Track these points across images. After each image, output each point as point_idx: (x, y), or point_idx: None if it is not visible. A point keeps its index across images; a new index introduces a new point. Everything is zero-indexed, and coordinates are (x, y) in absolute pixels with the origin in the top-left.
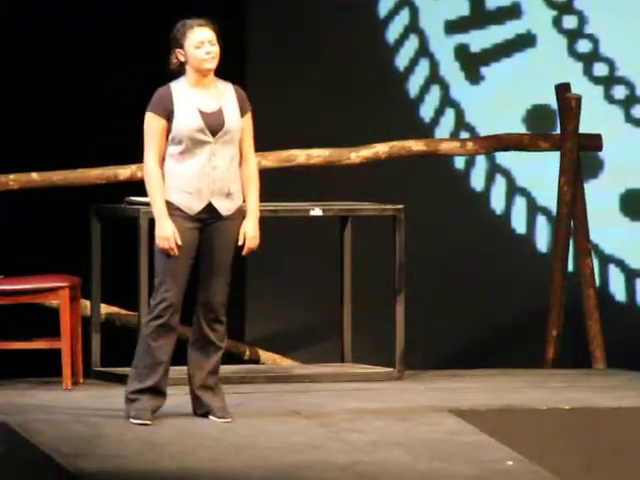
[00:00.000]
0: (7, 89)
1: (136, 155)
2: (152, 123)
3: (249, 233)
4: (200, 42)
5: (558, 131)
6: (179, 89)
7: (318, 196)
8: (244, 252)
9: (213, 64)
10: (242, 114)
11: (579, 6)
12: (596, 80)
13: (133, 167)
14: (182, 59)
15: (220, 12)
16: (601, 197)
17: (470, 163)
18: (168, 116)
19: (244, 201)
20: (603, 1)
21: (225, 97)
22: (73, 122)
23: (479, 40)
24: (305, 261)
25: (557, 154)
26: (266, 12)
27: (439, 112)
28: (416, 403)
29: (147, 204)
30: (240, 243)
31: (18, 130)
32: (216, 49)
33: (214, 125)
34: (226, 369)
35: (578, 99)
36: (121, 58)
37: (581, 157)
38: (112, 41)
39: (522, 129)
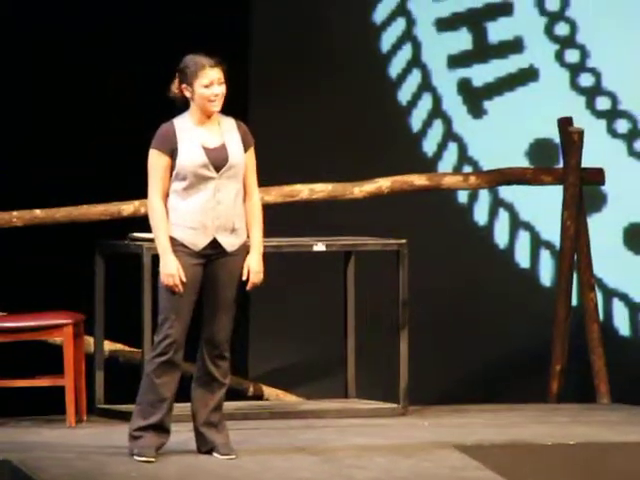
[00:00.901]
0: (7, 89)
1: (139, 191)
2: (156, 160)
3: (253, 268)
4: (210, 82)
5: (561, 165)
6: (182, 125)
7: (321, 231)
8: (248, 287)
9: (218, 107)
10: (245, 149)
11: (581, 40)
12: (599, 114)
13: (136, 203)
14: (188, 95)
15: (225, 48)
16: (604, 231)
17: (473, 197)
18: (172, 153)
19: (248, 237)
20: (605, 35)
21: (228, 132)
22: (73, 122)
23: (482, 74)
24: (308, 296)
25: (560, 188)
26: (269, 47)
27: (442, 146)
28: (420, 439)
29: (150, 240)
30: (244, 278)
31: (18, 130)
32: (223, 90)
33: (218, 161)
34: (230, 405)
35: (581, 133)
36: (121, 58)
37: (584, 191)
38: (112, 41)
39: (525, 163)
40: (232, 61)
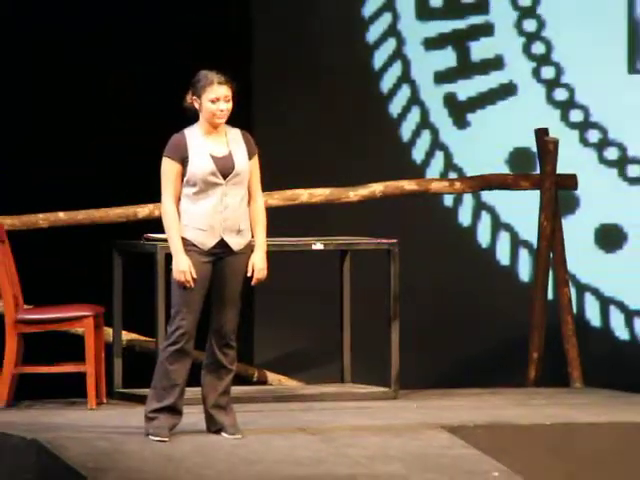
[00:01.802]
0: (7, 89)
1: (153, 195)
2: (168, 167)
3: (257, 265)
4: (216, 98)
5: (538, 171)
6: (192, 136)
7: (319, 232)
8: (253, 283)
9: (222, 121)
10: (250, 157)
11: (556, 58)
12: (572, 125)
13: (151, 206)
14: (196, 106)
15: (229, 65)
16: (577, 231)
17: (458, 201)
18: (183, 161)
19: (253, 236)
20: (578, 54)
21: (234, 142)
22: (73, 122)
23: (465, 89)
24: (308, 291)
25: (537, 192)
26: (271, 64)
27: (429, 155)
28: (410, 420)
29: (164, 240)
30: (249, 275)
31: (18, 130)
32: (229, 106)
33: (225, 168)
34: (236, 390)
35: (556, 142)
36: (121, 58)
37: (559, 195)
38: (112, 41)
39: (505, 170)
40: (236, 67)
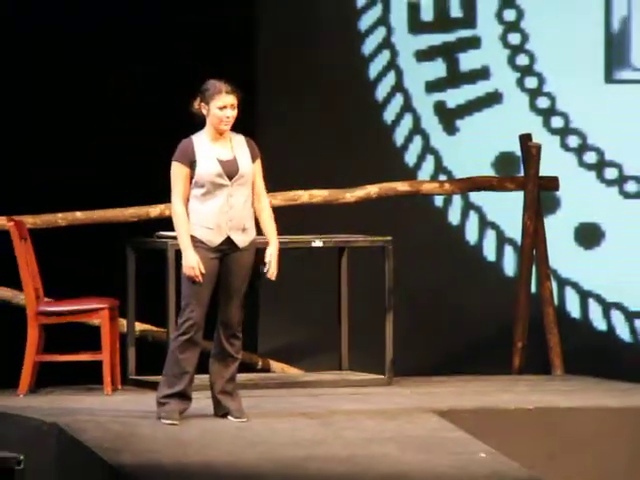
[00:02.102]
0: (7, 89)
1: (163, 196)
2: (178, 171)
3: (275, 257)
4: (224, 106)
5: (522, 174)
6: (200, 141)
7: (319, 230)
8: (270, 275)
9: (228, 127)
10: (253, 160)
11: (539, 69)
12: (553, 131)
13: (162, 206)
14: (204, 112)
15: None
16: (558, 230)
17: (448, 201)
18: (191, 165)
19: (259, 234)
20: (559, 65)
21: (238, 147)
22: (73, 122)
23: (454, 97)
24: (308, 285)
25: (521, 193)
26: (274, 77)
27: (421, 158)
28: (403, 405)
29: (174, 238)
30: (266, 270)
31: (18, 129)
32: (234, 114)
33: (230, 171)
34: (242, 377)
35: (538, 147)
36: (121, 58)
37: (541, 196)
38: (112, 41)
39: (491, 172)
40: (235, 73)
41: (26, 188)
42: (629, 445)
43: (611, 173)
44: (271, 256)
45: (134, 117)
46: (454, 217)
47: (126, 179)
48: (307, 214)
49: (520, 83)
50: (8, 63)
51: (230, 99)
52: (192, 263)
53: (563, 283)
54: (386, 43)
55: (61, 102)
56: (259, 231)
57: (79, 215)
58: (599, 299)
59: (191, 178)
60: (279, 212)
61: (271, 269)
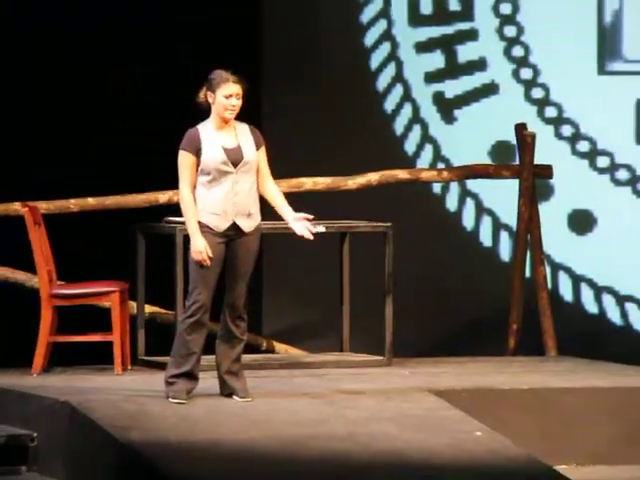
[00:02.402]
0: (7, 89)
1: (172, 182)
2: (185, 159)
3: (300, 215)
4: (229, 94)
5: (517, 162)
6: (205, 130)
7: (322, 216)
8: (315, 230)
9: (233, 115)
10: (257, 148)
11: (534, 61)
12: (547, 121)
13: (170, 193)
14: (210, 101)
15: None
16: (552, 216)
17: (445, 188)
18: (197, 153)
19: (264, 219)
20: (553, 57)
21: (242, 135)
22: (73, 122)
23: (452, 88)
24: (311, 269)
25: (516, 181)
26: (277, 67)
27: (420, 147)
28: (402, 385)
29: (182, 223)
30: (308, 218)
31: (18, 129)
32: (239, 103)
33: (235, 158)
34: (247, 358)
35: (533, 136)
36: (121, 58)
37: (536, 183)
38: (112, 41)
39: (488, 160)
40: (248, 76)
41: (40, 175)
42: (617, 423)
43: (603, 161)
44: (294, 217)
45: (134, 117)
46: (452, 204)
47: (136, 167)
48: (311, 201)
49: (515, 74)
50: (8, 63)
51: (236, 88)
52: (200, 248)
53: (556, 268)
54: (387, 35)
55: (61, 102)
56: (264, 217)
57: (91, 201)
58: (591, 283)
59: (197, 166)
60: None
61: (307, 216)
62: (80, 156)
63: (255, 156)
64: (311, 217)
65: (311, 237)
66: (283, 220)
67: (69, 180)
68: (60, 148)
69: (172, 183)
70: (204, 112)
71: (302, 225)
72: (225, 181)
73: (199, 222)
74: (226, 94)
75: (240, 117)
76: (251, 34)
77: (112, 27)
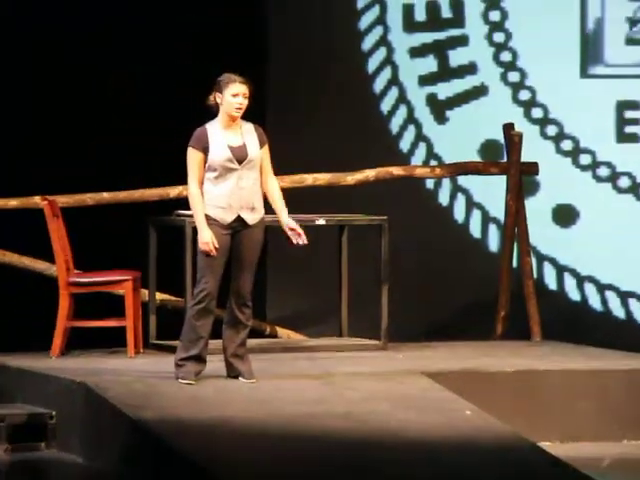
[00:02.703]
0: (7, 89)
1: (181, 178)
2: (193, 156)
3: (292, 224)
4: (236, 94)
5: (505, 159)
6: (213, 129)
7: (322, 209)
8: (301, 241)
9: (239, 114)
10: (261, 146)
11: (521, 65)
12: (534, 121)
13: (180, 188)
14: (219, 101)
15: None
16: (538, 210)
17: (438, 184)
18: (205, 150)
19: (267, 212)
20: (540, 61)
21: (247, 134)
22: (73, 122)
23: (444, 90)
24: (312, 259)
25: (504, 177)
26: (284, 74)
27: (414, 145)
28: (396, 368)
29: (191, 216)
30: (298, 231)
31: (18, 129)
32: (246, 102)
33: (240, 156)
34: (251, 342)
35: (520, 135)
36: (121, 58)
37: (523, 179)
38: (112, 41)
39: (478, 158)
40: (253, 79)
41: (59, 171)
42: (597, 403)
43: (585, 159)
44: (288, 224)
45: (134, 117)
46: (444, 198)
47: (148, 163)
48: (311, 195)
49: (504, 77)
50: (8, 63)
51: (243, 88)
52: (206, 239)
53: (542, 258)
54: (383, 41)
55: (61, 102)
56: (267, 210)
57: (106, 195)
58: (574, 273)
59: (205, 162)
60: (286, 193)
61: (297, 230)
62: (95, 154)
63: (259, 154)
64: (301, 232)
65: (301, 243)
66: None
67: (86, 176)
68: (77, 146)
69: (181, 179)
70: (208, 111)
71: (292, 234)
72: (230, 177)
73: (206, 215)
74: (233, 93)
75: (245, 117)
76: (252, 34)
77: (112, 27)
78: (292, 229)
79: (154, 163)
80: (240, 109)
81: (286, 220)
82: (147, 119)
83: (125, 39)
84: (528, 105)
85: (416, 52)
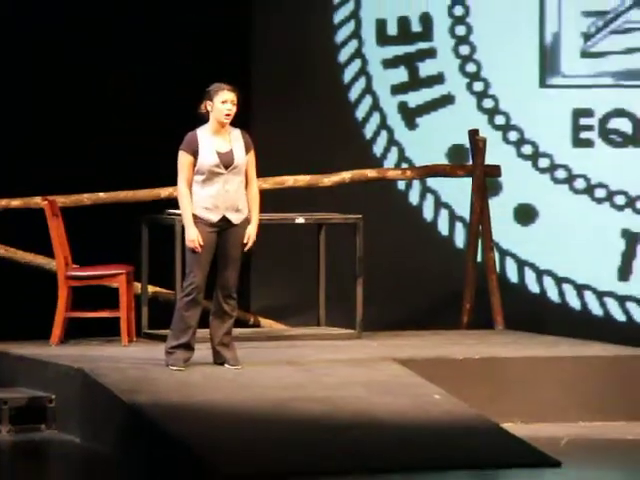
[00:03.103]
0: (7, 89)
1: (172, 179)
2: (183, 159)
3: (252, 236)
4: (225, 100)
5: (470, 162)
6: (203, 134)
7: (301, 209)
8: (246, 249)
9: (228, 120)
10: (247, 152)
11: (484, 75)
12: (497, 127)
13: (170, 189)
14: (209, 109)
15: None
16: (500, 209)
17: (409, 185)
18: (194, 154)
19: (249, 213)
20: (502, 72)
21: (235, 140)
22: (73, 122)
23: (415, 99)
24: (292, 255)
25: (469, 179)
26: (267, 82)
27: (387, 149)
28: (371, 355)
29: (180, 215)
30: (245, 241)
31: (18, 129)
32: (234, 109)
33: (227, 161)
34: (237, 331)
35: (484, 140)
36: (121, 58)
37: (486, 181)
38: (112, 41)
39: (445, 161)
40: (236, 69)
41: (58, 172)
42: (556, 387)
43: (544, 162)
44: (249, 233)
45: (134, 117)
46: (414, 198)
47: (141, 165)
48: (292, 196)
49: (469, 87)
50: (8, 63)
51: (231, 96)
52: (192, 237)
53: (504, 254)
54: (358, 53)
55: (61, 102)
56: None
57: (102, 195)
58: (533, 267)
59: (194, 165)
60: (268, 194)
61: (249, 243)
62: (92, 156)
63: (244, 160)
64: (250, 245)
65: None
66: (269, 213)
67: (84, 176)
68: (76, 147)
69: (172, 180)
70: (203, 115)
71: (249, 241)
72: (217, 181)
73: (194, 215)
74: (222, 100)
75: (233, 121)
76: (245, 43)
77: (112, 27)
78: (247, 240)
79: (147, 165)
80: (229, 115)
81: (250, 230)
82: (147, 119)
83: (125, 39)
84: (491, 113)
85: (388, 63)
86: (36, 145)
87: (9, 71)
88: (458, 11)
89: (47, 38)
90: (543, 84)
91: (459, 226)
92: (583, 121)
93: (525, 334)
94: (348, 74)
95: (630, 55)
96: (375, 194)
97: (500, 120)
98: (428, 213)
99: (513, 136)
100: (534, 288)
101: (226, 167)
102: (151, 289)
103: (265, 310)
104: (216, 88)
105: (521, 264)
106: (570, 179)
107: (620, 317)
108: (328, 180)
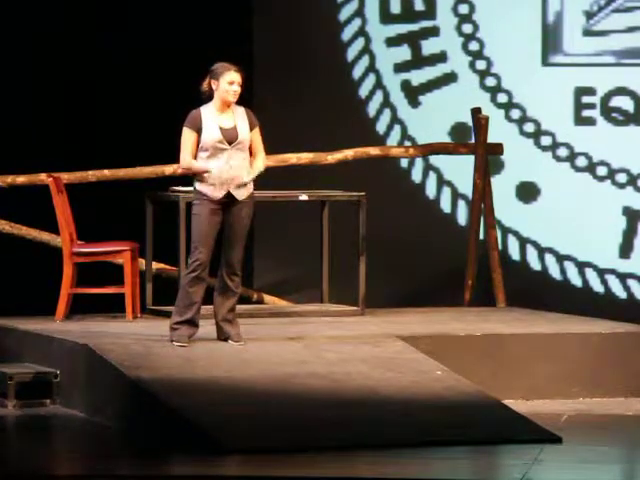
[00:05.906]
0: (12, 67)
1: (176, 156)
2: (187, 135)
3: (254, 170)
4: (231, 81)
5: (473, 141)
6: (206, 112)
7: (305, 186)
8: (247, 178)
9: (234, 99)
10: (251, 128)
11: (487, 54)
12: (499, 105)
13: (174, 166)
14: (214, 87)
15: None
16: (503, 187)
17: (411, 163)
18: (198, 131)
19: (255, 189)
20: (505, 50)
21: (239, 117)
22: (78, 99)
23: (418, 77)
24: (296, 232)
25: (472, 157)
26: (269, 63)
27: (390, 127)
28: (373, 331)
29: (186, 192)
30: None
31: (23, 106)
32: (239, 90)
33: (230, 137)
34: (240, 307)
35: (487, 118)
36: (126, 35)
37: (489, 159)
38: (112, 41)
39: (448, 139)
40: (240, 62)
41: (64, 149)
42: (557, 364)
43: (546, 140)
44: (247, 177)
45: (134, 116)
46: (417, 176)
47: (145, 143)
48: (295, 173)
49: (472, 65)
50: (8, 63)
51: (238, 77)
52: (204, 167)
53: (506, 231)
54: (361, 31)
55: (61, 102)
56: (257, 187)
57: (106, 172)
58: (535, 244)
59: (197, 142)
60: (272, 172)
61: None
62: (96, 133)
63: (248, 135)
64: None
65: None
66: (272, 191)
67: (88, 154)
68: (80, 126)
69: (176, 157)
70: (203, 95)
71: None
72: (221, 157)
73: (198, 191)
74: (229, 80)
75: (238, 100)
76: (246, 29)
77: (112, 27)
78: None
79: (152, 142)
80: (235, 96)
81: (246, 178)
82: (147, 119)
83: (125, 39)
84: (494, 91)
85: (392, 42)
86: (41, 122)
87: (13, 49)
88: None
89: (50, 15)
90: (545, 62)
91: (461, 204)
92: (585, 99)
93: (526, 311)
94: (351, 52)
95: (632, 33)
96: (378, 172)
97: (502, 98)
98: (431, 191)
99: (515, 114)
100: (536, 265)
101: (230, 143)
102: (155, 265)
103: (268, 287)
104: (222, 68)
105: (523, 241)
106: (572, 157)
107: (621, 294)
108: (331, 158)
